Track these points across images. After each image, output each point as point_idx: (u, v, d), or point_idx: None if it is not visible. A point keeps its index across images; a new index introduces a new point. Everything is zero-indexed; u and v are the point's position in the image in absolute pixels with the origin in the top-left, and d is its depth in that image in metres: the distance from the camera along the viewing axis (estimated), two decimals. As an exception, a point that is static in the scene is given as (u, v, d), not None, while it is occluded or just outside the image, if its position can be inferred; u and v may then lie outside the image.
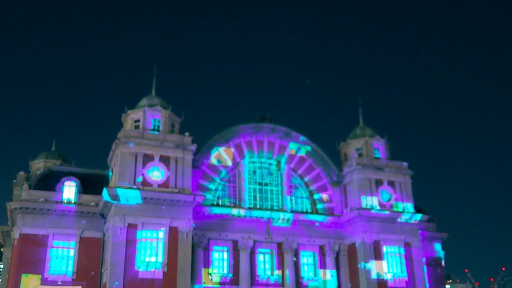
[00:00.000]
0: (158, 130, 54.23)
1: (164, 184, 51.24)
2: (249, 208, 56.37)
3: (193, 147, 53.42)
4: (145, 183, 50.69)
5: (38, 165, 66.61)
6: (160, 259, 48.64)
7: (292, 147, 60.96)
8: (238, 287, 53.45)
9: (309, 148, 61.25)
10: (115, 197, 48.75)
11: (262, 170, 60.12)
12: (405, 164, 61.07)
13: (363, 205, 57.09)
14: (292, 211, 58.06)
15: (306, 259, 57.94)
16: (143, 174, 50.88)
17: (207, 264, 53.42)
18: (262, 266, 56.03)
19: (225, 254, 54.88)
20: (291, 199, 59.54)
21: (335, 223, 58.90)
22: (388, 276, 55.51)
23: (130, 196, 49.07)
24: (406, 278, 56.18)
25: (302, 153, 61.23)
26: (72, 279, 50.09)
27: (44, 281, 48.97)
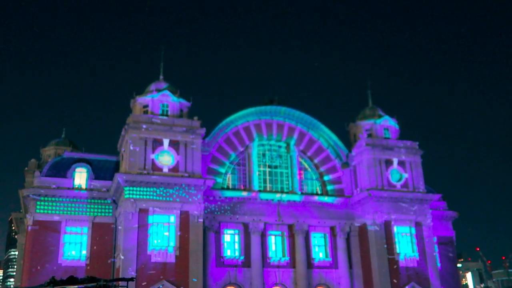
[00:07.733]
0: (166, 115, 54.23)
1: (174, 169, 51.40)
2: (259, 191, 56.50)
3: (202, 131, 53.40)
4: (155, 168, 50.90)
5: (49, 152, 67.07)
6: (172, 243, 49.01)
7: (300, 129, 60.79)
8: (249, 269, 53.79)
9: (317, 129, 61.05)
10: (125, 182, 49.02)
11: (272, 152, 60.09)
12: (415, 143, 60.77)
13: (373, 186, 56.99)
14: (302, 193, 58.14)
15: (317, 241, 58.17)
16: (153, 159, 51.07)
17: (218, 247, 53.79)
18: (273, 248, 56.39)
19: (236, 237, 55.19)
20: (300, 181, 59.60)
21: (345, 204, 58.91)
22: (399, 256, 55.61)
23: (141, 181, 49.34)
24: (418, 258, 56.26)
25: (311, 134, 61.10)
26: (86, 264, 50.74)
27: (58, 267, 49.57)
